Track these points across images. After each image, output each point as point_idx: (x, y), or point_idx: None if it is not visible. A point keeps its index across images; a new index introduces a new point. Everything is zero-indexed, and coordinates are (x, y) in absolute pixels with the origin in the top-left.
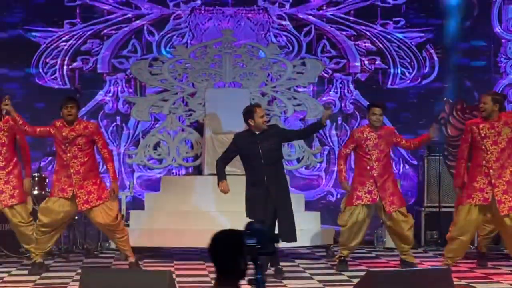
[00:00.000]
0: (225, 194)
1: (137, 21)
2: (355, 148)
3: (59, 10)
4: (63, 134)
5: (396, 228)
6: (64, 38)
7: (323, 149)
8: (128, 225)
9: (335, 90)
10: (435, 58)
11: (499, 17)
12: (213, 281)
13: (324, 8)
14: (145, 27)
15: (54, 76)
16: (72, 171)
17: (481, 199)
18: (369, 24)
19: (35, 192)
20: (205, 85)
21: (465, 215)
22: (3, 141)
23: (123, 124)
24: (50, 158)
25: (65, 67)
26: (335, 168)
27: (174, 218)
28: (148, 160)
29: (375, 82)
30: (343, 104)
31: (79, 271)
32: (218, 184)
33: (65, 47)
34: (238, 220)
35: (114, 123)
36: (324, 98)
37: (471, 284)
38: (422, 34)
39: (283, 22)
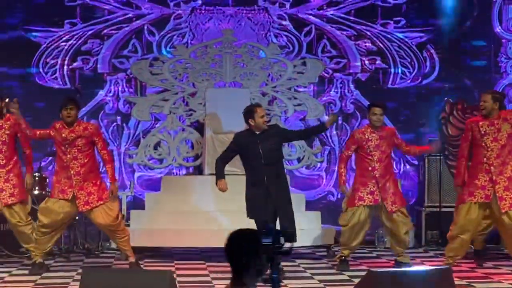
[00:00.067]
0: (223, 192)
1: (138, 21)
2: (356, 149)
3: (59, 10)
4: (63, 135)
5: (394, 229)
6: (64, 38)
7: (324, 148)
8: (128, 225)
9: (336, 90)
10: (436, 58)
11: (500, 17)
12: (213, 281)
13: (325, 8)
14: (145, 27)
15: (54, 76)
16: (72, 172)
17: (483, 197)
18: (369, 24)
19: (36, 192)
20: (206, 85)
21: (465, 214)
22: (4, 139)
23: (124, 124)
24: (50, 158)
25: (65, 67)
26: (336, 168)
27: (175, 218)
28: (148, 160)
29: (375, 82)
30: (343, 104)
31: (80, 271)
32: (216, 183)
33: (66, 47)
34: (238, 220)
35: (115, 123)
36: (324, 98)
37: (472, 284)
38: (423, 34)
39: (284, 22)
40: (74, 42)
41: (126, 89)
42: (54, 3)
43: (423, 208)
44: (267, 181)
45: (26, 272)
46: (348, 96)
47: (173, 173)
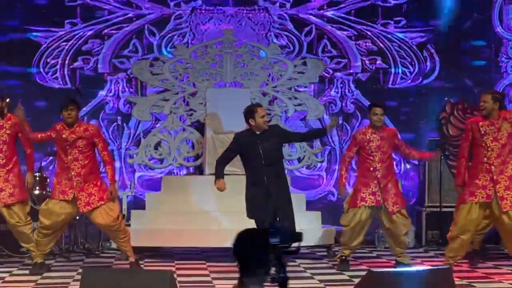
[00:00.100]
0: (221, 192)
1: (138, 21)
2: (358, 150)
3: (60, 10)
4: (63, 136)
5: (394, 231)
6: (65, 38)
7: (324, 148)
8: (129, 225)
9: (336, 90)
10: (436, 57)
11: (500, 17)
12: (213, 281)
13: (325, 8)
14: (146, 27)
15: (55, 76)
16: (73, 173)
17: (484, 196)
18: (370, 24)
19: (36, 192)
20: (206, 85)
21: (465, 214)
22: (4, 139)
23: (124, 124)
24: (51, 158)
25: (66, 67)
26: (336, 168)
27: (175, 218)
28: (149, 160)
29: (376, 82)
30: (344, 104)
31: (80, 271)
32: (215, 182)
33: (66, 47)
34: (238, 220)
35: (115, 123)
36: (325, 98)
37: (472, 284)
38: (423, 34)
39: (284, 22)
40: (75, 42)
41: (126, 89)
42: (55, 3)
43: (424, 208)
44: (267, 181)
45: (26, 272)
46: (348, 96)
47: (174, 173)
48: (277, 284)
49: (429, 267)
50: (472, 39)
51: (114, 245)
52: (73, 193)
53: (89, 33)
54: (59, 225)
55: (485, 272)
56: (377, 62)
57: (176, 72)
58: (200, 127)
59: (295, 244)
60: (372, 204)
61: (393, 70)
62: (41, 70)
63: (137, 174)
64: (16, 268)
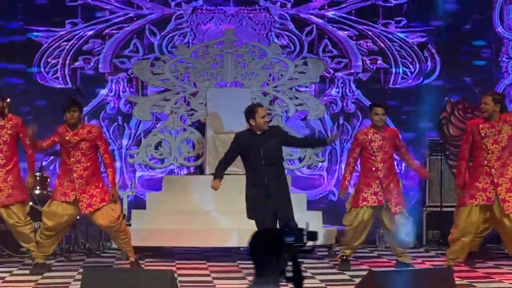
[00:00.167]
0: (215, 190)
1: (139, 21)
2: (360, 150)
3: (60, 10)
4: (66, 138)
5: (395, 231)
6: (65, 38)
7: (325, 148)
8: (129, 225)
9: (337, 90)
10: (437, 57)
11: (501, 16)
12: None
13: (326, 7)
14: (146, 27)
15: (56, 75)
16: (75, 175)
17: (485, 199)
18: (370, 23)
19: (37, 192)
20: (207, 84)
21: (466, 217)
22: (5, 139)
23: (125, 124)
24: (52, 158)
25: (66, 66)
26: (337, 167)
27: (176, 217)
28: (149, 159)
29: (376, 82)
30: (344, 104)
31: (81, 270)
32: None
33: (67, 47)
34: (239, 220)
35: (116, 123)
36: (325, 98)
37: (473, 284)
38: (424, 34)
39: (285, 22)
40: (75, 42)
41: (127, 89)
42: (55, 3)
43: (424, 208)
44: (267, 181)
45: (27, 272)
46: (349, 96)
47: (174, 173)
48: (292, 283)
49: (430, 267)
50: (472, 39)
51: (114, 245)
52: (74, 195)
53: (90, 33)
54: (62, 226)
55: (485, 272)
56: (378, 62)
57: (177, 72)
58: (200, 127)
59: (309, 243)
60: (374, 204)
61: (393, 70)
62: (42, 69)
63: (137, 174)
64: (16, 268)
